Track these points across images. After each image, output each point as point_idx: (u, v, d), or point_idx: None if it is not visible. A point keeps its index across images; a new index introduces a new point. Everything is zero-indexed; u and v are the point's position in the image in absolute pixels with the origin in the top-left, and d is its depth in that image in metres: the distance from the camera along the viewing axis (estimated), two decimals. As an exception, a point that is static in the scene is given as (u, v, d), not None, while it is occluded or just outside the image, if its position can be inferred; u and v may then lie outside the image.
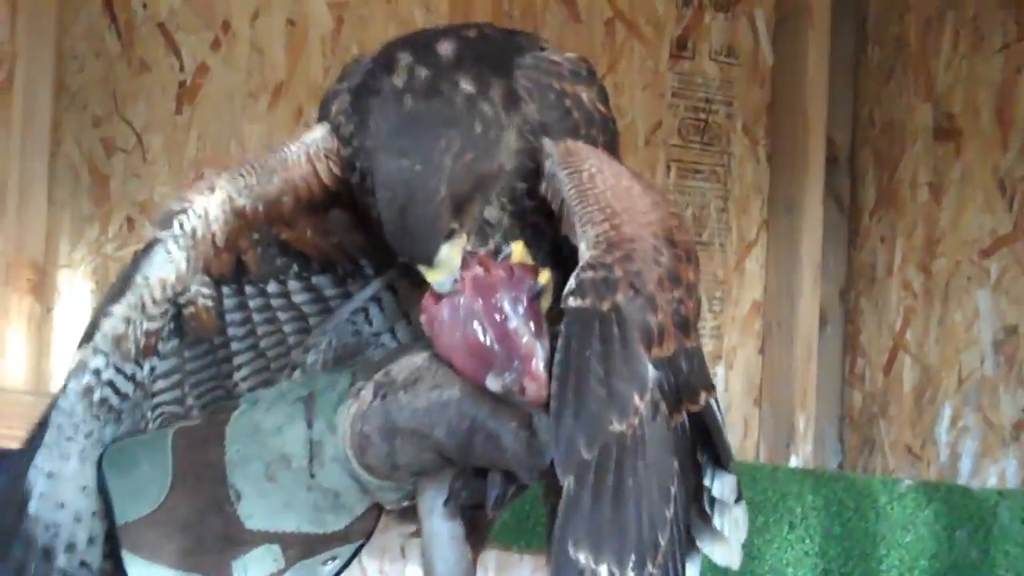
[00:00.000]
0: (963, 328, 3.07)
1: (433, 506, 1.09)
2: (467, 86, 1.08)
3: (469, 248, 1.08)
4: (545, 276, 1.06)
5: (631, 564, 0.92)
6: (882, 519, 2.13)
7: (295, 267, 1.28)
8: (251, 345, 1.26)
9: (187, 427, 1.18)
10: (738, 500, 1.11)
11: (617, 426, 0.94)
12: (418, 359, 1.07)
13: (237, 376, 1.26)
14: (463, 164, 1.04)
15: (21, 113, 2.50)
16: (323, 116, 1.20)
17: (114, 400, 1.16)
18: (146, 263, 1.15)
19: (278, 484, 1.10)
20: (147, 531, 1.11)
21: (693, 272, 1.08)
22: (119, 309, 1.14)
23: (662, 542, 0.96)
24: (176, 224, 1.15)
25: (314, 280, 1.29)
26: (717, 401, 1.09)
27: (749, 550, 2.19)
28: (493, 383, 1.02)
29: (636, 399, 0.96)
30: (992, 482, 2.94)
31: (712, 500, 1.09)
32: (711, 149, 3.28)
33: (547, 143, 1.11)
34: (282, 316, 1.28)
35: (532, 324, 1.03)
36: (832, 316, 3.34)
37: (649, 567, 0.93)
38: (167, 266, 1.15)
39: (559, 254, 1.13)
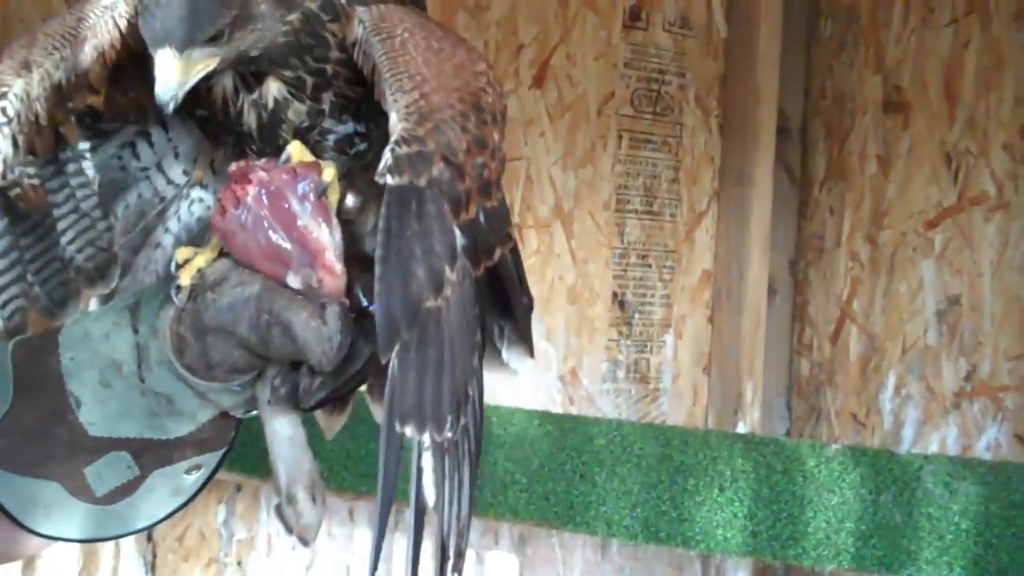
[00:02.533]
0: (908, 298, 3.12)
1: (267, 409, 1.13)
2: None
3: (238, 164, 1.10)
4: (329, 172, 1.09)
5: (448, 424, 0.99)
6: (809, 482, 2.17)
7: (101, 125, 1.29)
8: (73, 208, 1.28)
9: (24, 338, 1.21)
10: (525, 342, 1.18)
11: (433, 302, 0.99)
12: (230, 261, 1.10)
13: (63, 241, 1.27)
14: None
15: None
16: None
17: None
18: None
19: (113, 390, 1.13)
20: None
21: (499, 132, 1.11)
22: None
23: (472, 391, 1.03)
24: None
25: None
26: (515, 251, 1.14)
27: (680, 512, 2.23)
28: (293, 281, 1.07)
29: (448, 272, 1.00)
30: (933, 449, 3.00)
31: (503, 333, 1.17)
32: (663, 120, 3.30)
33: (360, 10, 1.11)
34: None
35: (321, 220, 1.07)
36: (781, 286, 3.38)
37: (462, 419, 1.00)
38: None
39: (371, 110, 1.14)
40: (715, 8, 3.35)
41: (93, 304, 1.28)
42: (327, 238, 1.07)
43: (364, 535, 2.99)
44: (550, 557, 3.20)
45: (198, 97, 1.13)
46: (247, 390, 1.14)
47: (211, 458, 1.20)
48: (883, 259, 3.18)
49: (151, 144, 1.30)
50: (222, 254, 1.12)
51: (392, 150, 1.01)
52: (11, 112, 1.14)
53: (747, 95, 3.29)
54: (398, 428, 0.97)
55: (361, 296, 1.09)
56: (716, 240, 3.36)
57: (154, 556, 2.87)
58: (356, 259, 1.10)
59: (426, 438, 0.98)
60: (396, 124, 1.02)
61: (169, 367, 1.11)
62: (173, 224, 1.30)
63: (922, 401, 3.07)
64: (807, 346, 3.38)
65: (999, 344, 2.94)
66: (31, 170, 1.23)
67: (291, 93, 1.13)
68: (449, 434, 0.99)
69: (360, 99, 1.15)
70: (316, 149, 1.15)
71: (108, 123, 1.28)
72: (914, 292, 3.10)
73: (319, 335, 1.04)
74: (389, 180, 1.00)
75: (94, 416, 1.14)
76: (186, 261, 1.12)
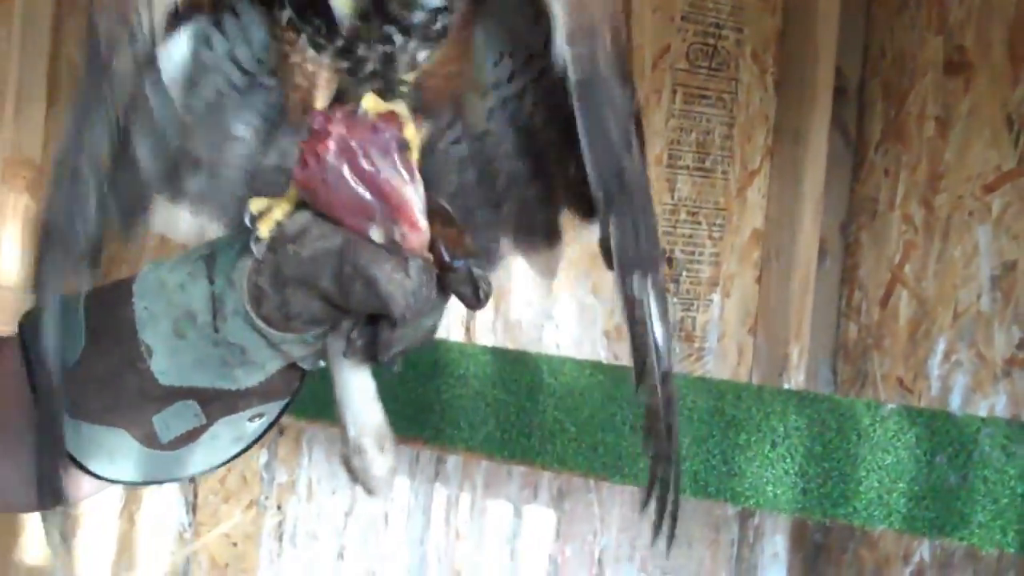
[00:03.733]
0: (962, 263, 3.06)
1: (339, 360, 1.13)
2: None
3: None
4: (410, 128, 1.09)
5: (659, 269, 1.10)
6: (864, 441, 2.14)
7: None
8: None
9: (97, 288, 1.21)
10: None
11: (627, 161, 1.08)
12: (309, 213, 1.10)
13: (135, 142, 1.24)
14: None
15: (22, 14, 2.50)
16: None
17: None
18: None
19: (187, 340, 1.14)
20: (67, 389, 1.14)
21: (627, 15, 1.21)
22: None
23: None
24: None
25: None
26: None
27: (729, 467, 2.21)
28: (376, 235, 1.06)
29: (631, 133, 1.10)
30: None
31: None
32: (718, 75, 3.25)
33: None
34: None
35: (404, 173, 1.07)
36: (832, 248, 3.33)
37: (662, 264, 1.10)
38: None
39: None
40: (774, -37, 3.29)
41: (160, 210, 1.27)
42: (410, 192, 1.06)
43: (403, 483, 2.99)
44: (588, 513, 3.18)
45: None
46: (319, 341, 1.14)
47: (274, 407, 1.21)
48: (938, 223, 3.12)
49: (223, 33, 1.27)
50: (299, 205, 1.12)
51: (568, 44, 1.07)
52: None
53: (805, 53, 3.23)
54: (626, 278, 1.07)
55: (443, 251, 1.09)
56: (768, 199, 3.32)
57: (195, 497, 2.88)
58: (436, 214, 1.10)
59: (649, 282, 1.07)
60: (559, 14, 1.07)
61: (244, 318, 1.11)
62: (251, 116, 1.29)
63: (972, 368, 3.02)
64: (855, 309, 3.33)
65: (1055, 312, 2.88)
66: None
67: None
68: (661, 277, 1.10)
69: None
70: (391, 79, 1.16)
71: (180, 18, 1.25)
72: (968, 257, 3.05)
73: (403, 289, 1.04)
74: (572, 76, 1.07)
75: (165, 365, 1.14)
76: (261, 212, 1.12)
